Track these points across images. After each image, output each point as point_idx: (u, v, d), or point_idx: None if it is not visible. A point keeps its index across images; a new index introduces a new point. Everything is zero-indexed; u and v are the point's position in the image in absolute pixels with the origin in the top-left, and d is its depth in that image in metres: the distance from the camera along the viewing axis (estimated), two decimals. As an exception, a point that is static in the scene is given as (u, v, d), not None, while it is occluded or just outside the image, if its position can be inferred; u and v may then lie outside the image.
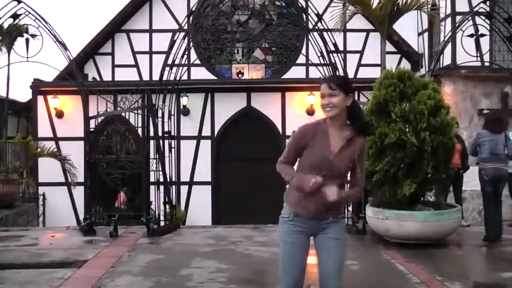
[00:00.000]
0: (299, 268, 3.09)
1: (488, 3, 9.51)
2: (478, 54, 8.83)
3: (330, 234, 3.08)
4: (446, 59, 10.98)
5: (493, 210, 7.04)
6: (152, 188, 8.04)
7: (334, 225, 3.09)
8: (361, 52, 15.54)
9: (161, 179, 8.03)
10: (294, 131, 3.22)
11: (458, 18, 10.93)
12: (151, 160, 8.08)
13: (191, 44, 12.09)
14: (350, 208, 8.12)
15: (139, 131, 8.13)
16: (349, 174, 3.21)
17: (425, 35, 14.72)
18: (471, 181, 8.59)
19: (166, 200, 8.10)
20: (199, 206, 13.38)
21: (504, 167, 7.03)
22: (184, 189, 13.51)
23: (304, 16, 8.35)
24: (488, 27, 9.80)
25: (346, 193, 3.15)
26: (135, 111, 8.15)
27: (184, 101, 13.39)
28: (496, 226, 7.05)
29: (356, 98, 3.17)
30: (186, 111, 13.60)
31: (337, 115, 3.02)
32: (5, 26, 9.40)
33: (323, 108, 3.04)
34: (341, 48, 11.43)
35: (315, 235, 3.13)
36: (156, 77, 11.14)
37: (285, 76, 15.06)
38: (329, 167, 2.99)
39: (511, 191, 8.26)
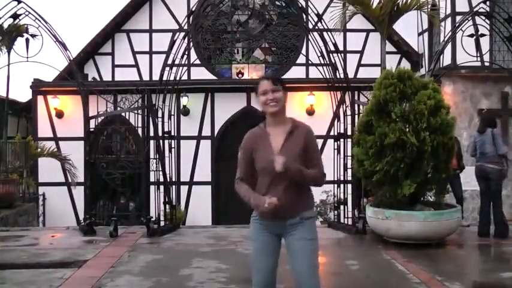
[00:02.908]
0: (267, 265, 3.11)
1: (488, 3, 9.51)
2: (478, 54, 8.81)
3: (296, 235, 3.06)
4: (446, 59, 10.97)
5: (484, 206, 7.31)
6: (152, 188, 8.05)
7: (301, 225, 3.06)
8: (361, 52, 15.54)
9: (161, 179, 8.03)
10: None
11: (458, 18, 10.93)
12: (151, 160, 8.08)
13: (191, 44, 12.06)
14: (350, 208, 8.12)
15: (140, 131, 8.13)
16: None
17: (425, 35, 14.70)
18: (471, 181, 8.59)
19: (166, 200, 8.10)
20: (199, 206, 13.39)
21: (488, 164, 7.19)
22: (184, 189, 13.51)
23: (304, 16, 8.35)
24: (488, 27, 9.79)
25: (298, 167, 2.97)
26: (135, 111, 8.14)
27: (184, 101, 13.39)
28: (486, 222, 7.28)
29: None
30: (186, 111, 13.60)
31: (280, 110, 3.09)
32: (5, 26, 9.39)
33: (266, 103, 3.07)
34: (341, 48, 11.40)
35: (284, 236, 3.12)
36: (156, 77, 11.13)
37: (285, 76, 15.02)
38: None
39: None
